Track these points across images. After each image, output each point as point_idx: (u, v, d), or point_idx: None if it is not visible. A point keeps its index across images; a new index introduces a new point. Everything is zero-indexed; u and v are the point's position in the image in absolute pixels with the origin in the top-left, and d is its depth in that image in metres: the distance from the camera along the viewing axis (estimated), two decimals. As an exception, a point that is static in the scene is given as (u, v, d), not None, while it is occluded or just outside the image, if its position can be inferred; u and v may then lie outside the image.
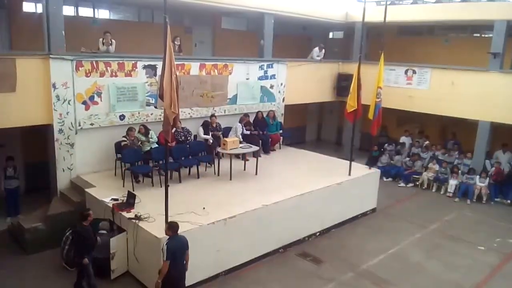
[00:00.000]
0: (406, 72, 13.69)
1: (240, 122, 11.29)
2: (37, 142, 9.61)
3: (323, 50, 14.45)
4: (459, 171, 12.43)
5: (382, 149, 14.20)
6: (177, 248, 5.90)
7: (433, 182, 12.86)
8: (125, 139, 9.08)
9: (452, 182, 12.33)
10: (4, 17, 10.33)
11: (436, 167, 12.94)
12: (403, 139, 14.61)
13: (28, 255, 7.89)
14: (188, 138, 10.14)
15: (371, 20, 11.48)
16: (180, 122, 9.88)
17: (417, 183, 13.12)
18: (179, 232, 6.06)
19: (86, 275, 6.40)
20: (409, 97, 13.51)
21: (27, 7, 11.04)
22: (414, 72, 13.53)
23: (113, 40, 9.64)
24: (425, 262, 8.51)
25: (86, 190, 8.36)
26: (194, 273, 7.04)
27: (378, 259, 8.50)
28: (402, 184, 13.22)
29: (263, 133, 11.81)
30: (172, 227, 5.99)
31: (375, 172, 10.93)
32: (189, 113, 10.76)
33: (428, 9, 13.51)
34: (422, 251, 8.93)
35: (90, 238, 6.37)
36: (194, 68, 10.67)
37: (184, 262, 6.09)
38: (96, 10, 12.48)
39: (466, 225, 10.45)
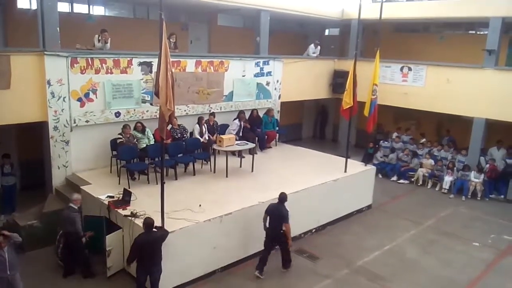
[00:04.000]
0: (401, 69, 13.73)
1: (239, 120, 11.22)
2: (32, 139, 9.57)
3: (319, 47, 14.46)
4: (454, 168, 12.50)
5: (377, 146, 14.25)
6: (144, 242, 6.09)
7: (428, 179, 12.93)
8: (120, 136, 9.05)
9: (447, 179, 12.40)
10: (-2, 13, 10.27)
11: (431, 161, 13.00)
12: (395, 135, 14.66)
13: (24, 253, 7.83)
14: (184, 135, 10.13)
15: (367, 17, 11.48)
16: (176, 119, 9.87)
17: (412, 179, 13.18)
18: (175, 229, 6.08)
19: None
20: (405, 94, 13.56)
21: (22, 4, 10.96)
22: (409, 69, 13.57)
23: (109, 38, 9.59)
24: (420, 258, 8.56)
25: (82, 187, 8.33)
26: (190, 269, 7.08)
27: (373, 256, 8.54)
28: (400, 180, 13.27)
29: (259, 130, 11.81)
30: (145, 224, 6.23)
31: (371, 169, 10.97)
32: (185, 110, 10.74)
33: (423, 6, 13.53)
34: (417, 248, 8.98)
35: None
36: (190, 65, 10.64)
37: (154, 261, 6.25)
38: (91, 6, 12.42)
39: (461, 222, 10.52)
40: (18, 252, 5.99)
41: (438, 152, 13.45)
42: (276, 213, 7.36)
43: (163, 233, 6.36)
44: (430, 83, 13.13)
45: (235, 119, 11.31)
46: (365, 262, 8.26)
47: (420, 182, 13.04)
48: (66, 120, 8.77)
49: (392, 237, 9.37)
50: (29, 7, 10.88)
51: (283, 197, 7.51)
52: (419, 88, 13.33)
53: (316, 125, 18.78)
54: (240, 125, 11.15)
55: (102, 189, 8.14)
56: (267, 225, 7.44)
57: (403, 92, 13.57)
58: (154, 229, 6.33)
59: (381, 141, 14.51)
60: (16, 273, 5.95)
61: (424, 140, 14.21)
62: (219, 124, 11.09)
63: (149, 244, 6.14)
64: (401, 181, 13.34)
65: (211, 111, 11.08)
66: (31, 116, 8.41)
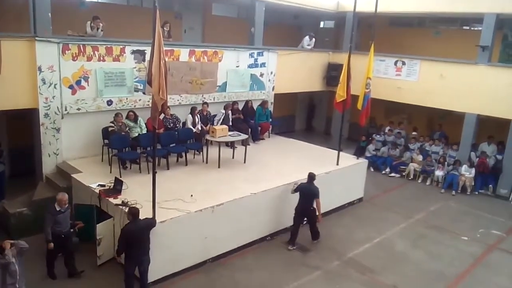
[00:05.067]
0: (395, 63, 13.73)
1: (224, 109, 11.19)
2: (22, 126, 9.44)
3: (314, 39, 14.40)
4: (445, 163, 12.60)
5: (370, 138, 14.30)
6: (132, 232, 6.08)
7: (420, 173, 13.02)
8: (112, 124, 8.97)
9: (438, 173, 12.51)
10: (-12, -3, 10.05)
11: (420, 157, 13.10)
12: (387, 129, 14.71)
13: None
14: (177, 125, 10.07)
15: (362, 10, 11.45)
16: (169, 109, 9.80)
17: (404, 173, 13.27)
18: (166, 219, 6.05)
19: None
20: (398, 89, 13.58)
21: (12, -12, 10.73)
22: (403, 63, 13.58)
23: (101, 24, 9.45)
24: (409, 251, 8.65)
25: (73, 175, 8.27)
26: (181, 259, 7.08)
27: (363, 248, 8.61)
28: (391, 174, 13.36)
29: (253, 122, 11.79)
30: (130, 213, 6.22)
31: (363, 162, 11.01)
32: (178, 100, 10.66)
33: (419, 0, 13.50)
34: (407, 241, 9.07)
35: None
36: (183, 54, 10.55)
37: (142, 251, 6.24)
38: (83, -8, 12.20)
39: (451, 216, 10.63)
40: (22, 260, 5.69)
41: (429, 146, 13.54)
42: (306, 191, 8.17)
43: (149, 222, 6.34)
44: (423, 78, 13.16)
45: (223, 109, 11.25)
46: (355, 254, 8.33)
47: (411, 176, 13.13)
48: (57, 108, 8.67)
49: (382, 230, 9.45)
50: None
51: (312, 176, 8.28)
52: (412, 82, 13.36)
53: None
54: (225, 113, 11.06)
55: (93, 177, 8.08)
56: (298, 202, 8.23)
57: (397, 87, 13.59)
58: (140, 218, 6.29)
59: (374, 135, 14.56)
60: (23, 284, 5.61)
61: (415, 133, 14.28)
62: (212, 114, 11.03)
63: (136, 233, 6.12)
64: (393, 174, 13.43)
65: (204, 101, 11.01)
66: (21, 103, 8.29)
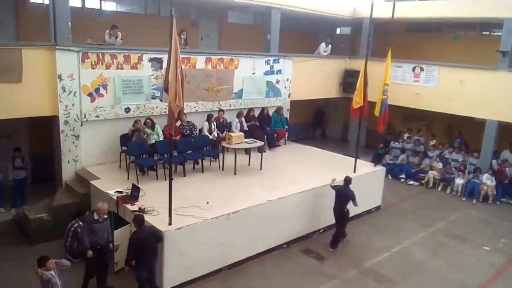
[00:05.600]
0: (413, 69, 13.57)
1: (237, 117, 11.21)
2: (43, 133, 9.63)
3: (330, 46, 14.35)
4: (466, 171, 12.34)
5: (388, 148, 14.08)
6: (143, 239, 6.15)
7: (439, 181, 12.78)
8: (133, 128, 9.12)
9: (459, 181, 12.25)
10: (11, 7, 10.33)
11: (440, 165, 12.86)
12: (406, 136, 14.50)
13: (33, 246, 7.93)
14: (193, 132, 10.12)
15: (379, 16, 11.36)
16: (186, 116, 9.86)
17: (423, 181, 13.04)
18: (181, 225, 6.07)
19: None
20: (416, 95, 13.40)
21: (34, -2, 11.03)
22: (421, 69, 13.41)
23: (119, 33, 9.61)
24: (429, 261, 8.46)
25: (91, 182, 8.38)
26: (197, 266, 7.07)
27: (381, 257, 8.47)
28: (410, 182, 13.16)
29: (268, 129, 11.77)
30: (136, 220, 6.27)
31: (381, 169, 10.87)
32: (194, 107, 10.73)
33: (437, 6, 13.34)
34: (426, 250, 8.88)
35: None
36: (200, 61, 10.62)
37: (153, 256, 6.32)
38: (103, 2, 12.47)
39: (472, 225, 10.38)
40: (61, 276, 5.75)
41: (449, 154, 13.29)
42: (343, 194, 8.48)
43: (156, 231, 6.38)
44: (442, 84, 12.96)
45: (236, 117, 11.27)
46: (373, 264, 8.19)
47: (431, 184, 12.89)
48: (77, 115, 8.81)
49: (400, 239, 9.28)
50: (41, 2, 10.95)
51: (348, 180, 8.61)
52: (431, 88, 13.16)
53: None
54: (238, 121, 11.08)
55: (111, 184, 8.17)
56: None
57: (415, 93, 13.41)
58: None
59: (392, 142, 14.39)
60: None
61: (434, 141, 14.03)
62: (228, 121, 11.06)
63: (144, 239, 6.17)
64: (411, 182, 13.21)
65: (220, 108, 11.05)
66: (42, 110, 8.46)
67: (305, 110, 16.52)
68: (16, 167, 9.22)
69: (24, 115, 8.30)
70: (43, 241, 7.95)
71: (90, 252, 6.41)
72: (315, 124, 17.99)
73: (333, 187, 8.67)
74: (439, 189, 12.75)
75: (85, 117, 8.92)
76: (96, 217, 6.51)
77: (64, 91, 8.52)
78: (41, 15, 9.18)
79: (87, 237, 6.46)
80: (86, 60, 8.72)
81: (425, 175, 13.03)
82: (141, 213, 6.56)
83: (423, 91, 13.33)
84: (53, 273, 5.46)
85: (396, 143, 14.33)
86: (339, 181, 8.86)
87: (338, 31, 18.33)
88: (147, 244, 6.19)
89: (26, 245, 7.99)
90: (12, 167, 9.19)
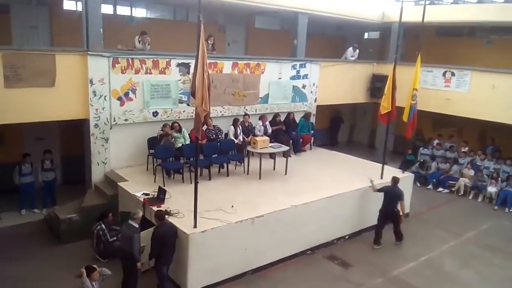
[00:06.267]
0: (444, 74, 13.25)
1: (259, 119, 11.21)
2: (74, 136, 9.92)
3: (357, 50, 14.20)
4: (499, 178, 11.92)
5: (420, 161, 13.68)
6: (165, 233, 6.38)
7: (470, 189, 12.39)
8: (161, 132, 9.27)
9: (491, 190, 11.84)
10: (45, 14, 10.73)
11: (471, 172, 12.47)
12: (436, 142, 14.15)
13: (62, 245, 8.16)
14: (219, 136, 10.20)
15: (408, 20, 11.17)
16: (212, 120, 9.96)
17: (453, 189, 12.67)
18: (206, 229, 6.11)
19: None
20: (447, 100, 13.06)
21: (68, 5, 11.41)
22: (452, 74, 13.07)
23: (148, 38, 9.82)
24: (459, 271, 8.20)
25: (119, 184, 8.56)
26: (221, 270, 7.10)
27: (409, 266, 8.26)
28: (439, 189, 12.82)
29: (294, 133, 11.73)
30: (157, 216, 6.53)
31: (409, 176, 10.63)
32: (220, 111, 10.82)
33: (468, 9, 13.02)
34: (456, 260, 8.61)
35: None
36: (226, 66, 10.72)
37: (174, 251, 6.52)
38: (133, 8, 12.77)
39: (504, 235, 10.00)
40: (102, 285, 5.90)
41: (481, 161, 12.88)
42: (391, 194, 8.71)
43: (174, 226, 6.62)
44: (474, 89, 12.58)
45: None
46: (400, 272, 8.00)
47: (461, 192, 12.51)
48: (106, 118, 9.04)
49: (429, 248, 9.03)
50: (74, 9, 11.32)
51: (396, 180, 8.90)
52: (462, 94, 12.81)
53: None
54: (262, 124, 11.08)
55: (138, 186, 8.33)
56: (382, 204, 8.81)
57: (445, 98, 13.08)
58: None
59: (421, 148, 14.06)
60: None
61: (466, 149, 13.61)
62: (253, 126, 11.09)
63: (168, 234, 6.40)
64: (440, 189, 12.86)
65: (245, 112, 11.09)
66: (73, 114, 8.72)
67: (331, 115, 16.37)
68: (45, 168, 9.54)
69: (56, 118, 8.59)
70: (72, 241, 8.17)
71: (139, 264, 6.39)
72: (332, 130, 17.30)
73: (380, 189, 8.84)
74: (470, 197, 12.36)
75: (114, 120, 9.14)
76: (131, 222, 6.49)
77: (95, 95, 8.76)
78: (74, 22, 9.48)
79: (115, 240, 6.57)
80: (116, 65, 8.94)
81: (455, 183, 12.66)
82: (162, 210, 6.78)
83: (454, 96, 12.98)
84: (94, 285, 5.58)
85: (425, 149, 14.00)
86: (379, 183, 8.97)
87: (366, 35, 18.12)
88: (168, 239, 6.39)
89: (57, 245, 8.23)
90: (41, 169, 9.50)
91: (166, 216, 6.96)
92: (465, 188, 12.49)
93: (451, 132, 14.61)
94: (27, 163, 9.30)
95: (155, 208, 7.33)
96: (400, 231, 9.01)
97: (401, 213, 8.80)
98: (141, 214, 6.58)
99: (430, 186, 12.96)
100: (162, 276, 6.47)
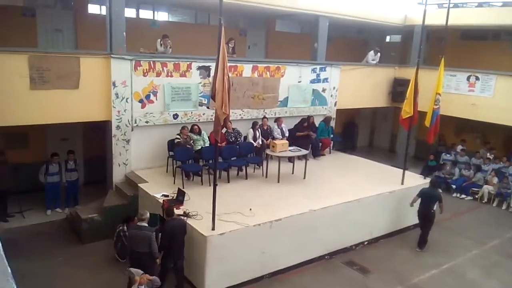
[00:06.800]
0: (468, 78, 12.96)
1: (275, 122, 11.15)
2: (96, 137, 10.11)
3: (379, 54, 14.04)
4: (524, 186, 11.60)
5: (441, 163, 13.42)
6: (173, 228, 6.53)
7: (494, 196, 12.07)
8: (178, 137, 9.32)
9: (516, 197, 11.53)
10: (70, 18, 10.99)
11: (495, 180, 12.14)
12: (459, 148, 13.86)
13: (83, 244, 8.31)
14: (238, 139, 10.23)
15: (431, 24, 10.98)
16: (231, 123, 9.98)
17: (476, 196, 12.37)
18: (224, 231, 6.11)
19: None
20: (471, 105, 12.77)
21: (92, 9, 11.67)
22: (477, 78, 12.78)
23: (169, 42, 9.94)
24: (482, 280, 7.99)
25: (139, 185, 8.66)
26: (238, 273, 7.10)
27: (430, 274, 8.10)
28: (462, 196, 12.54)
29: (313, 137, 11.66)
30: (167, 211, 6.74)
31: (430, 182, 10.42)
32: (240, 114, 10.85)
33: (494, 12, 12.72)
34: (479, 269, 8.39)
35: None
36: (246, 69, 10.75)
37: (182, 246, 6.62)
38: (156, 12, 12.95)
39: (530, 244, 9.71)
40: None
41: (506, 168, 12.53)
42: (429, 196, 8.92)
43: (183, 221, 6.76)
44: (499, 94, 12.26)
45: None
46: (420, 280, 7.84)
47: (485, 200, 12.20)
48: (128, 120, 9.18)
49: (451, 256, 8.84)
50: (99, 12, 11.57)
51: (435, 182, 9.40)
52: (487, 98, 12.50)
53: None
54: (279, 128, 11.04)
55: (158, 187, 8.41)
56: (419, 206, 9.01)
57: (470, 103, 12.78)
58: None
59: (443, 154, 13.79)
60: None
61: (492, 155, 13.25)
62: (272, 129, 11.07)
63: (174, 229, 6.51)
64: (463, 196, 12.57)
65: (264, 116, 11.06)
66: (96, 115, 8.89)
67: (351, 119, 16.21)
68: (69, 169, 9.74)
69: (80, 119, 8.77)
70: (93, 240, 8.31)
71: (158, 260, 6.46)
72: (345, 136, 16.23)
73: (419, 192, 9.00)
74: (494, 204, 12.04)
75: (135, 122, 9.27)
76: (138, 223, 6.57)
77: (117, 97, 8.91)
78: (98, 25, 9.67)
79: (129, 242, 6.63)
80: (138, 68, 9.08)
81: (479, 190, 12.36)
82: (171, 206, 6.93)
83: (478, 101, 12.68)
84: None
85: (448, 155, 13.72)
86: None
87: (387, 39, 17.91)
88: (176, 234, 6.51)
89: (78, 244, 8.38)
90: (65, 169, 9.71)
91: (185, 218, 7.05)
92: (489, 196, 12.18)
93: (474, 138, 14.25)
94: (54, 162, 9.50)
95: (174, 210, 7.38)
96: (426, 238, 9.02)
97: (441, 213, 9.13)
98: (148, 214, 6.64)
99: (457, 194, 12.66)
100: (165, 267, 6.63)
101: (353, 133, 17.41)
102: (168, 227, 6.57)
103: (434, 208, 8.92)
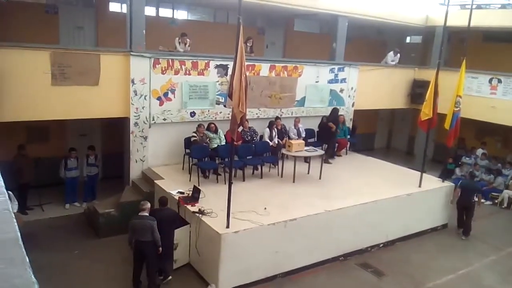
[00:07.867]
0: (490, 81, 12.70)
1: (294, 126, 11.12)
2: (114, 133, 10.25)
3: (398, 55, 13.86)
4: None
5: (459, 163, 13.21)
6: (161, 218, 6.67)
7: (515, 202, 11.82)
8: (195, 134, 9.38)
9: (537, 203, 11.25)
10: (91, 15, 11.17)
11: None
12: (479, 151, 13.58)
13: (100, 238, 8.44)
14: (254, 138, 10.24)
15: (453, 25, 10.79)
16: (248, 122, 10.00)
17: (496, 201, 12.11)
18: (238, 229, 6.12)
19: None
20: (493, 108, 12.51)
21: (113, 7, 11.83)
22: (499, 81, 12.51)
23: (188, 40, 10.01)
24: (498, 286, 7.83)
25: (156, 181, 8.76)
26: (252, 271, 7.11)
27: (446, 279, 7.96)
28: (481, 201, 12.29)
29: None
30: (160, 200, 7.04)
31: (449, 185, 10.25)
32: (256, 113, 10.86)
33: (519, 13, 12.42)
34: (497, 275, 8.22)
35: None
36: (264, 69, 10.75)
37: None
38: (175, 10, 13.05)
39: (551, 252, 9.46)
40: None
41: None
42: (470, 187, 9.77)
43: (175, 213, 6.99)
44: (522, 97, 11.99)
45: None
46: (436, 285, 7.73)
47: (505, 205, 11.93)
48: (146, 117, 9.28)
49: (468, 261, 8.68)
50: (119, 10, 11.71)
51: (473, 174, 10.98)
52: (509, 102, 12.23)
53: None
54: (296, 128, 11.01)
55: (174, 184, 8.49)
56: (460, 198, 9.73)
57: (491, 106, 12.52)
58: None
59: (463, 157, 13.54)
60: None
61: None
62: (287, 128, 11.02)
63: (162, 218, 6.65)
64: (483, 201, 12.30)
65: (277, 116, 10.95)
66: (115, 112, 9.02)
67: (369, 120, 16.04)
68: (89, 164, 9.90)
69: (99, 115, 8.92)
70: (110, 235, 8.42)
71: (160, 249, 6.60)
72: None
73: (459, 184, 9.86)
74: (515, 210, 11.79)
75: (153, 119, 9.37)
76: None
77: (136, 94, 9.02)
78: (119, 23, 9.81)
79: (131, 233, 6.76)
80: (157, 65, 9.17)
81: (499, 194, 12.10)
82: (165, 196, 7.18)
83: (500, 104, 12.41)
84: None
85: (468, 158, 13.46)
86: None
87: (407, 39, 17.67)
88: (162, 224, 6.60)
89: (94, 238, 8.52)
90: (86, 164, 9.88)
91: (200, 215, 7.09)
92: (509, 201, 11.91)
93: (495, 141, 13.96)
94: (72, 157, 9.67)
95: (189, 207, 7.45)
96: (470, 225, 9.64)
97: (478, 204, 9.91)
98: (149, 204, 6.85)
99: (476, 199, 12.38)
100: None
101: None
102: (156, 215, 6.71)
103: (475, 199, 9.76)
